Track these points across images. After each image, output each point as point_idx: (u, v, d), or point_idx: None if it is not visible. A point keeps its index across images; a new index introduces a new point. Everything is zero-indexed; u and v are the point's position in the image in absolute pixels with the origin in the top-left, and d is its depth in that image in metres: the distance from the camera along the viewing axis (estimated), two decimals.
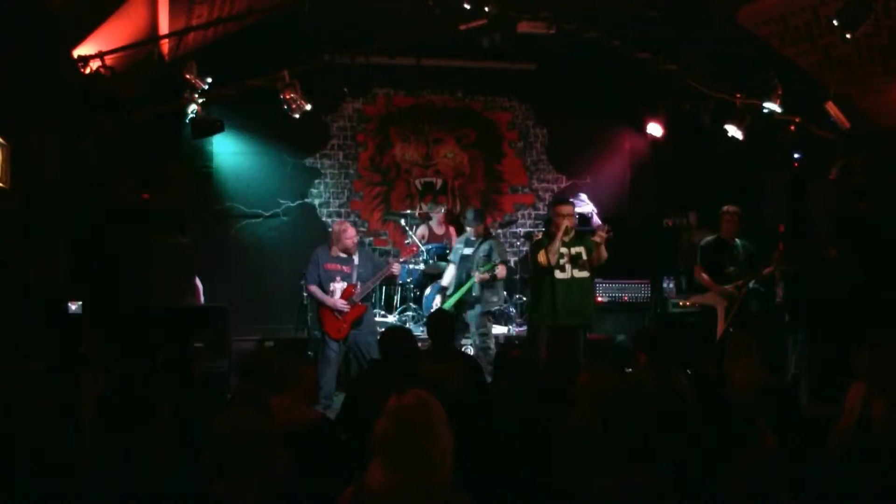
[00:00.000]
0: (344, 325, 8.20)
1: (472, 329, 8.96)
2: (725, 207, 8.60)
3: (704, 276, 8.55)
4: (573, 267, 7.98)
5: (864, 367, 4.98)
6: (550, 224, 8.24)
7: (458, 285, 9.04)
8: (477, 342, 8.88)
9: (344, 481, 3.08)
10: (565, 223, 7.89)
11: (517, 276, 11.04)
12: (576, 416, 4.01)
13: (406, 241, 10.39)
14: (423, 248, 10.31)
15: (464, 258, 9.13)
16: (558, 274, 7.90)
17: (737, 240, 8.54)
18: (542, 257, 7.90)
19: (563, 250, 7.93)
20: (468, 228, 9.35)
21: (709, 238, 8.75)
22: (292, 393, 4.67)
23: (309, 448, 4.06)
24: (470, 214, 9.39)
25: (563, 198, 9.36)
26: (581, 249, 8.02)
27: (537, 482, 3.83)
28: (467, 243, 9.19)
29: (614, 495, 2.71)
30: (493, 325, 10.05)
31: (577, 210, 11.05)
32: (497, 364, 5.43)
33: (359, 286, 8.30)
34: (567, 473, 3.59)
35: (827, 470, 3.93)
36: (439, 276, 9.76)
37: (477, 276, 8.81)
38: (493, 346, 8.92)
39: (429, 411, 2.91)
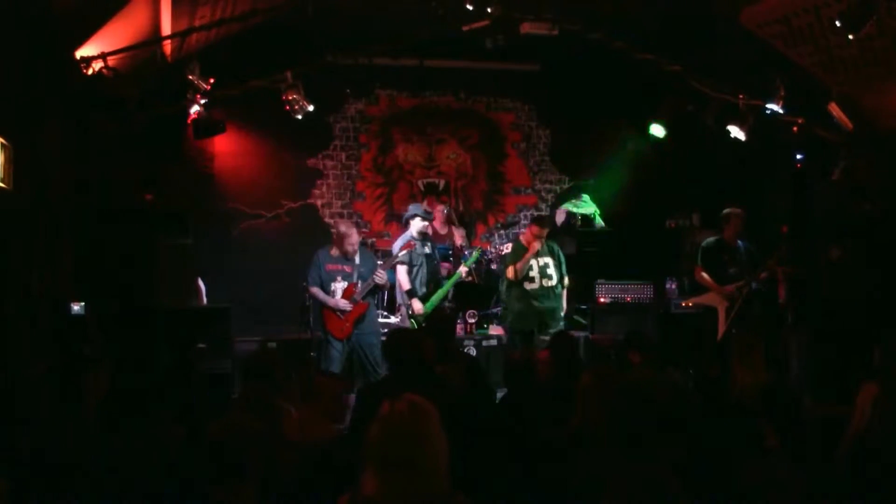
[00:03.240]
0: (346, 325, 8.20)
1: None
2: (729, 210, 8.60)
3: (705, 276, 8.56)
4: (542, 277, 8.71)
5: (876, 367, 4.98)
6: (517, 239, 9.07)
7: (436, 282, 9.04)
8: None
9: None
10: (537, 245, 8.66)
11: None
12: (578, 416, 4.01)
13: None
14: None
15: (428, 257, 9.07)
16: (527, 285, 8.69)
17: (738, 241, 8.54)
18: (510, 273, 8.71)
19: (532, 262, 8.67)
20: (421, 224, 9.10)
21: (710, 239, 8.76)
22: (311, 407, 4.64)
23: (314, 467, 4.01)
24: (419, 210, 9.24)
25: (540, 218, 9.60)
26: (548, 260, 8.77)
27: (538, 482, 3.83)
28: (422, 243, 9.06)
29: (617, 495, 2.70)
30: (495, 327, 10.08)
31: (580, 211, 11.13)
32: (505, 368, 5.50)
33: (359, 285, 8.29)
34: (570, 474, 3.59)
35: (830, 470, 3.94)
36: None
37: (464, 271, 9.03)
38: None
39: (421, 417, 2.88)
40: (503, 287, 9.09)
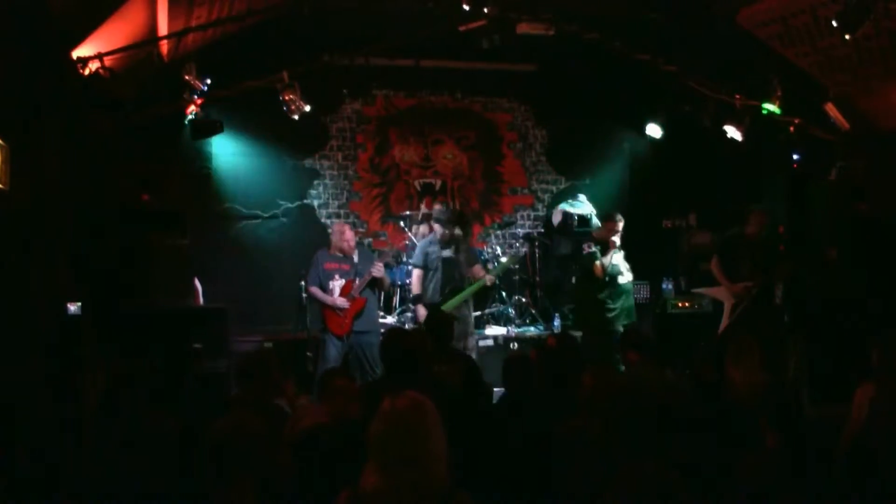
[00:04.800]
0: (346, 321, 8.20)
1: (469, 330, 8.79)
2: (753, 206, 8.55)
3: (718, 269, 8.54)
4: (627, 271, 8.81)
5: (873, 367, 4.99)
6: (594, 238, 8.97)
7: (454, 289, 8.66)
8: (472, 344, 8.78)
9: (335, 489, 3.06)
10: (617, 240, 8.70)
11: (516, 278, 11.03)
12: (580, 417, 4.01)
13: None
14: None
15: (447, 261, 8.75)
16: (620, 279, 8.72)
17: (760, 238, 8.46)
18: (598, 270, 8.66)
19: (617, 258, 8.71)
20: (440, 229, 8.89)
21: (733, 230, 8.67)
22: (326, 406, 4.67)
23: (301, 455, 4.03)
24: (444, 215, 9.08)
25: (612, 214, 9.13)
26: (621, 256, 8.82)
27: (540, 483, 3.82)
28: (444, 246, 8.79)
29: (618, 495, 2.71)
30: (491, 326, 10.06)
31: (577, 211, 11.12)
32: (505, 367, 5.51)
33: (356, 281, 8.29)
34: (570, 474, 3.59)
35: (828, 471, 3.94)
36: None
37: (489, 279, 8.81)
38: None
39: (421, 413, 2.91)
40: (582, 287, 9.06)
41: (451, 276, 8.73)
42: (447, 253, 8.76)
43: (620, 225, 8.72)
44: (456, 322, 8.44)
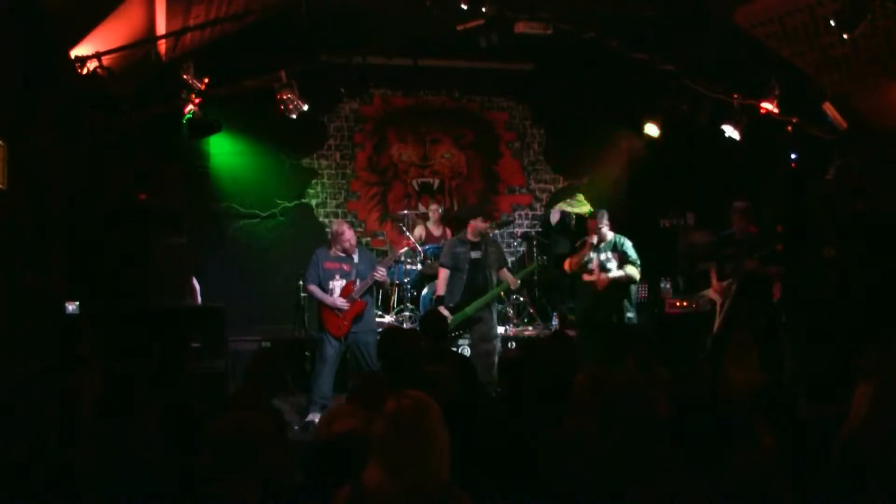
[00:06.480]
0: (344, 323, 8.17)
1: (494, 332, 8.68)
2: (734, 203, 8.58)
3: (713, 271, 8.64)
4: (601, 271, 8.66)
5: (872, 367, 4.99)
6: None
7: (476, 290, 8.51)
8: (497, 346, 8.68)
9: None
10: (591, 239, 8.67)
11: None
12: (574, 417, 4.01)
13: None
14: (420, 249, 10.29)
15: (475, 262, 8.54)
16: (586, 277, 8.72)
17: (748, 234, 8.47)
18: (565, 265, 8.88)
19: (592, 255, 8.66)
20: (483, 225, 8.67)
21: (723, 233, 8.75)
22: (360, 410, 4.66)
23: (328, 457, 4.02)
24: (482, 210, 9.01)
25: (592, 213, 9.17)
26: (610, 255, 8.72)
27: (534, 482, 3.83)
28: (473, 247, 8.57)
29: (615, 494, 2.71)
30: None
31: (575, 211, 11.12)
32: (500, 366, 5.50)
33: (357, 283, 8.28)
34: (564, 474, 3.60)
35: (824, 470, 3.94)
36: (436, 276, 9.28)
37: (513, 282, 8.69)
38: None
39: (425, 413, 2.93)
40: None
41: (475, 278, 8.55)
42: (476, 254, 8.58)
43: (599, 223, 8.65)
44: (479, 324, 8.50)
